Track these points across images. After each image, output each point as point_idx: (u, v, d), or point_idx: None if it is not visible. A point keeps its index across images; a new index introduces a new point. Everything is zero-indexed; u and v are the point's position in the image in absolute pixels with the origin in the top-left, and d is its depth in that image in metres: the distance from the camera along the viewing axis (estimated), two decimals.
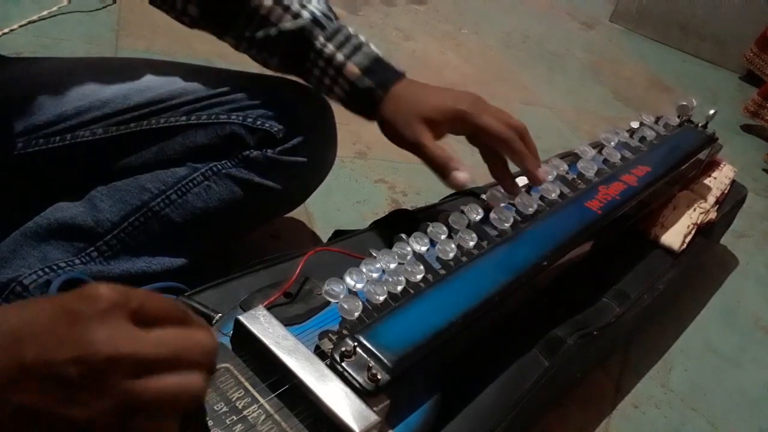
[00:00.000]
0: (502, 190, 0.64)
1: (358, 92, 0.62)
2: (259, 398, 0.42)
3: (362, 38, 0.64)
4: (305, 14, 0.62)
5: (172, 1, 0.63)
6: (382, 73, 0.62)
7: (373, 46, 0.64)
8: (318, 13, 0.63)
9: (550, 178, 0.66)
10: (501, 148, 0.61)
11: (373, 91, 0.62)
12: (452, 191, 0.74)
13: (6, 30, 1.13)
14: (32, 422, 0.27)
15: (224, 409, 0.41)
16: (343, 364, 0.43)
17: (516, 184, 0.64)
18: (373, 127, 0.65)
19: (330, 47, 0.62)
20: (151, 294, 0.32)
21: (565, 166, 0.70)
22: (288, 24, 0.62)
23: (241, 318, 0.45)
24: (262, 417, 0.41)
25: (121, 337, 0.29)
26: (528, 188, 0.66)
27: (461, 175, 0.59)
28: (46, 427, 0.28)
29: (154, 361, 0.29)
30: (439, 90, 0.63)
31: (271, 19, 0.62)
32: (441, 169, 0.60)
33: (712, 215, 0.86)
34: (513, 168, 0.64)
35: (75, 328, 0.28)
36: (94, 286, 0.30)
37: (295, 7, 0.62)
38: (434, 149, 0.60)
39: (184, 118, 0.64)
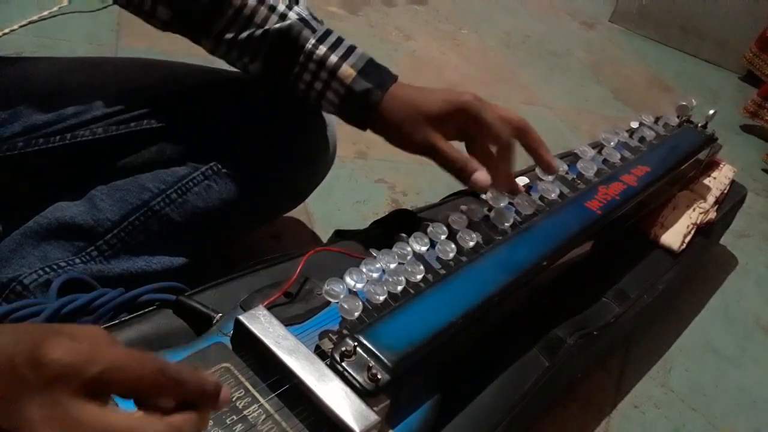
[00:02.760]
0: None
1: (354, 95, 0.59)
2: (260, 398, 0.42)
3: (350, 42, 0.61)
4: (292, 15, 0.60)
5: (139, 2, 0.60)
6: (379, 75, 0.60)
7: (362, 50, 0.61)
8: (306, 15, 0.61)
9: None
10: (496, 145, 0.59)
11: (371, 92, 0.59)
12: (452, 192, 0.74)
13: (6, 30, 1.13)
14: None
15: (224, 408, 0.41)
16: (343, 363, 0.44)
17: (509, 185, 0.62)
18: None
19: (322, 48, 0.59)
20: (124, 358, 0.28)
21: (565, 166, 0.70)
22: (275, 24, 0.59)
23: (242, 318, 0.45)
24: (263, 417, 0.41)
25: (54, 421, 0.26)
26: (528, 188, 0.66)
27: (482, 176, 0.57)
28: None
29: None
30: (438, 89, 0.61)
31: (256, 20, 0.60)
32: (460, 172, 0.58)
33: (712, 215, 0.86)
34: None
35: (13, 397, 0.26)
36: (54, 346, 0.27)
37: (282, 8, 0.60)
38: (450, 152, 0.58)
39: (185, 117, 0.64)
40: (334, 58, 0.59)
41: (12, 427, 0.25)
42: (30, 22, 1.17)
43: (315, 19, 0.61)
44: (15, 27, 1.14)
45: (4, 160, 0.61)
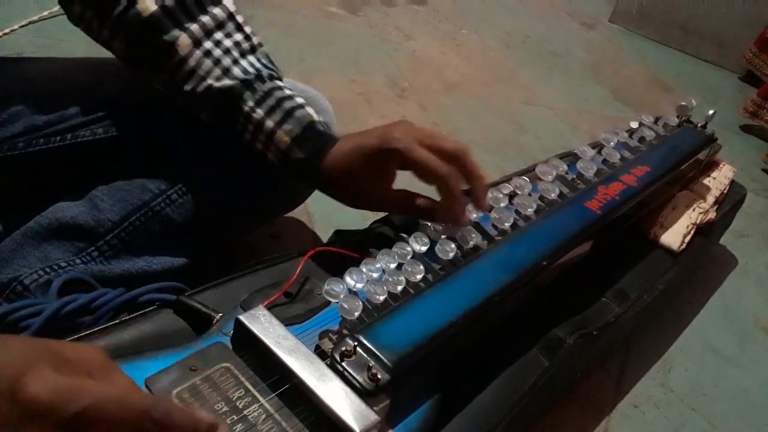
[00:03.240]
0: (503, 192, 0.64)
1: (290, 162, 0.58)
2: (260, 398, 0.42)
3: (298, 100, 0.59)
4: (236, 72, 0.58)
5: (98, 30, 0.59)
6: (315, 141, 0.58)
7: (308, 109, 0.59)
8: (251, 71, 0.59)
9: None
10: (435, 184, 0.56)
11: (306, 161, 0.57)
12: None
13: (7, 30, 1.13)
14: None
15: (224, 408, 0.41)
16: (343, 363, 0.44)
17: (461, 218, 0.58)
18: None
19: (259, 112, 0.58)
20: (108, 398, 0.27)
21: (565, 166, 0.70)
22: (216, 82, 0.58)
23: (242, 318, 0.45)
24: (263, 417, 0.41)
25: None
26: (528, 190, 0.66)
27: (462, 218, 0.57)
28: None
29: None
30: (367, 134, 0.57)
31: (200, 72, 0.58)
32: (420, 214, 0.58)
33: (712, 215, 0.86)
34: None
35: None
36: (35, 379, 0.26)
37: (227, 62, 0.58)
38: (401, 203, 0.58)
39: (184, 117, 0.64)
40: (270, 124, 0.58)
41: None
42: (30, 22, 1.17)
43: (260, 76, 0.59)
44: (15, 27, 1.15)
45: (5, 160, 0.61)
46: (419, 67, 1.50)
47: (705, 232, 0.86)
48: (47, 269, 0.57)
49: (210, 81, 0.58)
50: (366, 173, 0.57)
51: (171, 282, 0.55)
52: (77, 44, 1.13)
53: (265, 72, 0.60)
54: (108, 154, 0.63)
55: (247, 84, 0.58)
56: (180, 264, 0.63)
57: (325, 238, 0.83)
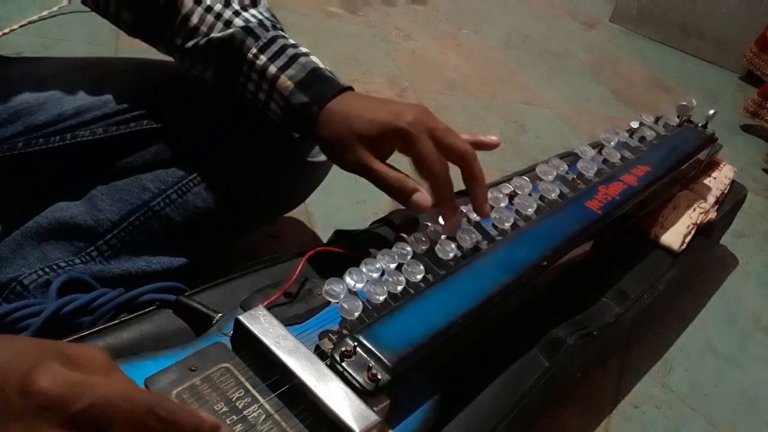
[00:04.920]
0: (503, 192, 0.64)
1: (292, 108, 0.56)
2: (260, 398, 0.42)
3: (302, 49, 0.58)
4: (238, 22, 0.58)
5: (105, 5, 0.61)
6: (319, 87, 0.56)
7: (314, 58, 0.58)
8: (254, 21, 0.58)
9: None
10: (428, 181, 0.54)
11: (308, 106, 0.55)
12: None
13: (6, 30, 1.13)
14: None
15: (224, 409, 0.41)
16: (343, 364, 0.44)
17: (454, 219, 0.56)
18: None
19: (263, 58, 0.57)
20: (115, 393, 0.28)
21: (565, 166, 0.70)
22: (218, 33, 0.57)
23: (242, 318, 0.45)
24: (263, 417, 0.41)
25: None
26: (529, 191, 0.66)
27: (422, 198, 0.53)
28: None
29: None
30: (382, 104, 0.55)
31: (202, 28, 0.58)
32: (398, 193, 0.53)
33: (712, 215, 0.86)
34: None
35: None
36: (45, 373, 0.26)
37: (228, 14, 0.58)
38: (386, 173, 0.53)
39: (184, 117, 0.64)
40: (273, 69, 0.56)
41: None
42: (30, 22, 1.17)
43: (263, 25, 0.58)
44: (15, 27, 1.14)
45: (4, 160, 0.61)
46: (419, 67, 1.50)
47: (705, 232, 0.86)
48: (47, 269, 0.57)
49: (212, 35, 0.58)
50: (364, 139, 0.54)
51: (170, 282, 0.55)
52: (77, 44, 1.13)
53: (268, 22, 0.59)
54: (108, 154, 0.63)
55: (248, 30, 0.57)
56: (179, 264, 0.63)
57: (324, 238, 0.83)
